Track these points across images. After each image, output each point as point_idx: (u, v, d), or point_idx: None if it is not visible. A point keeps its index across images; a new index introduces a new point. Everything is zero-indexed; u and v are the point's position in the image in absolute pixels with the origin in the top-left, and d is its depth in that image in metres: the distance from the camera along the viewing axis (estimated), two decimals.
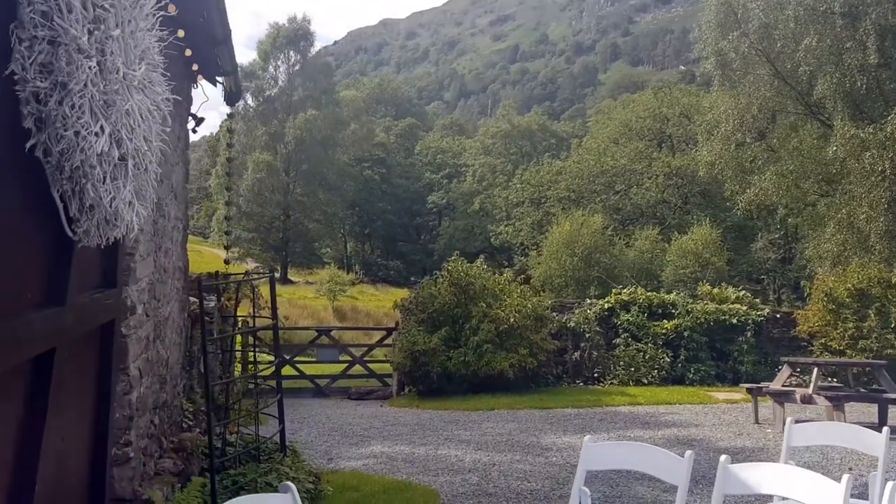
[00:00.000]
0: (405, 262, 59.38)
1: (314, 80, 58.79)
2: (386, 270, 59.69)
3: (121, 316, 2.76)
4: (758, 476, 3.30)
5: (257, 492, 5.46)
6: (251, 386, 8.95)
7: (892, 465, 6.78)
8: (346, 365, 15.53)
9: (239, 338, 14.36)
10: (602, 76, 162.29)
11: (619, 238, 36.06)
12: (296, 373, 15.05)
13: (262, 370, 6.73)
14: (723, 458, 3.40)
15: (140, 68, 2.18)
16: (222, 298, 6.69)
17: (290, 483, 2.90)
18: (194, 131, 7.22)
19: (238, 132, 58.33)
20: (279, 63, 60.28)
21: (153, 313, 5.30)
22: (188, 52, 5.88)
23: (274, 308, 6.10)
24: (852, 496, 4.99)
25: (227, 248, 6.94)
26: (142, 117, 2.19)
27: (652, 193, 41.01)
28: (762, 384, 10.74)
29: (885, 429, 4.09)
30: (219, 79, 6.87)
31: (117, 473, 4.47)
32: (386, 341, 15.43)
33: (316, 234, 58.23)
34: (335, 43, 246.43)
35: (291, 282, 54.25)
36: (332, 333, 17.49)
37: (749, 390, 10.52)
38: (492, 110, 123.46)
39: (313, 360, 15.73)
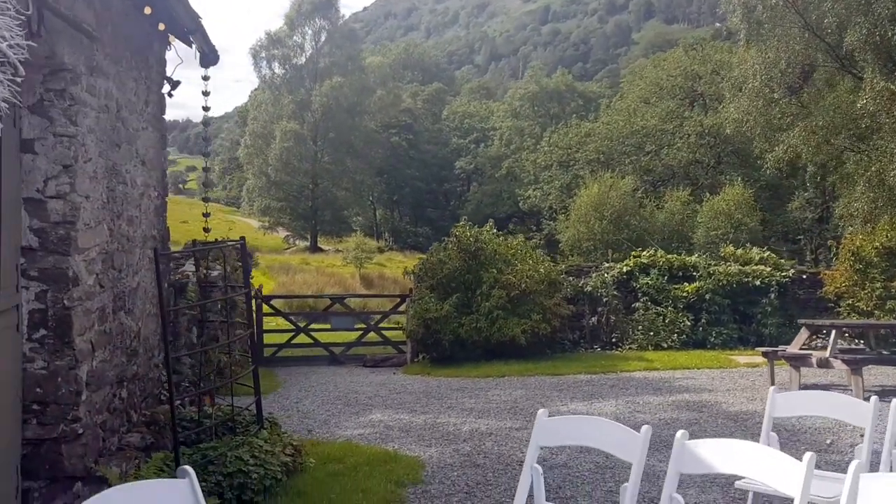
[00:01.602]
0: (434, 229, 59.00)
1: (340, 47, 58.35)
2: (415, 237, 59.51)
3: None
4: (717, 453, 3.00)
5: (226, 466, 5.30)
6: (247, 357, 8.81)
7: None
8: (360, 332, 15.39)
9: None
10: (636, 35, 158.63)
11: (650, 200, 35.38)
12: (310, 341, 14.96)
13: (236, 337, 6.51)
14: (679, 433, 3.11)
15: None
16: (201, 267, 6.50)
17: (187, 468, 2.68)
18: (170, 95, 7.00)
19: (265, 101, 58.38)
20: (305, 30, 59.93)
21: (111, 284, 5.11)
22: (147, 10, 5.62)
23: (246, 276, 5.89)
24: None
25: (206, 215, 6.70)
26: None
27: (683, 154, 40.05)
28: (779, 348, 10.32)
29: (874, 398, 3.75)
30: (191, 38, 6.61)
31: (66, 450, 4.33)
32: (400, 308, 15.25)
33: (345, 202, 58.15)
34: (364, 9, 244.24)
35: (321, 250, 54.43)
36: (348, 301, 17.40)
37: (765, 354, 10.11)
38: (523, 73, 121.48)
39: (328, 328, 15.62)
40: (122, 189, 5.39)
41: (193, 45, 6.74)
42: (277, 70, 58.91)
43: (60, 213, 4.27)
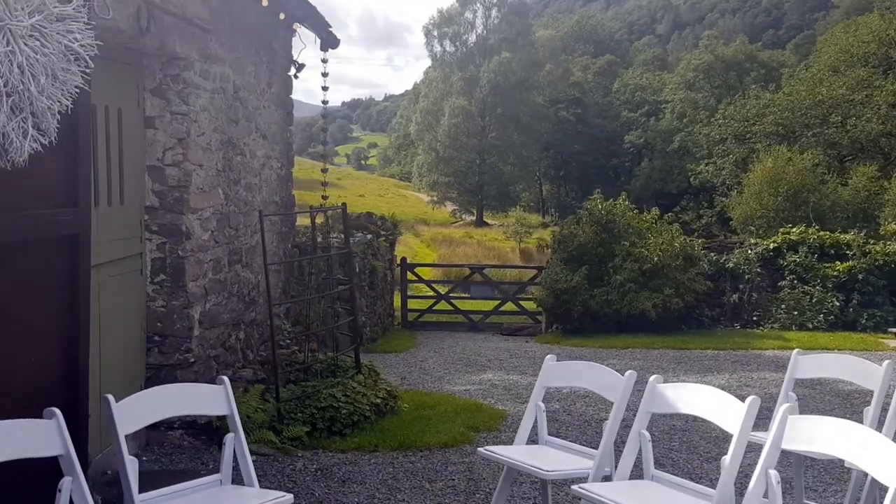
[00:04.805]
0: None
1: (511, 23, 58.70)
2: (581, 212, 59.19)
3: (83, 231, 3.30)
4: (679, 397, 3.29)
5: (320, 401, 6.07)
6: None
7: None
8: (498, 301, 16.00)
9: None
10: None
11: (833, 176, 33.08)
12: (451, 308, 15.81)
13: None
14: (653, 378, 3.42)
15: (30, 19, 2.63)
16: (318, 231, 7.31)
17: (224, 377, 3.35)
18: (296, 76, 7.84)
19: (436, 79, 60.05)
20: (476, 7, 60.76)
21: (227, 241, 5.99)
22: (265, 2, 6.41)
23: (347, 238, 6.62)
24: None
25: (324, 184, 7.51)
26: (35, 61, 2.65)
27: (873, 125, 36.94)
28: None
29: (887, 362, 3.82)
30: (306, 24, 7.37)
31: (180, 375, 5.23)
32: (537, 279, 15.68)
33: (511, 177, 58.78)
34: None
35: (487, 224, 55.46)
36: (493, 272, 18.04)
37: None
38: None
39: (467, 296, 16.37)
40: (240, 160, 6.25)
41: (313, 32, 7.51)
42: (448, 47, 60.27)
43: (176, 178, 5.15)
